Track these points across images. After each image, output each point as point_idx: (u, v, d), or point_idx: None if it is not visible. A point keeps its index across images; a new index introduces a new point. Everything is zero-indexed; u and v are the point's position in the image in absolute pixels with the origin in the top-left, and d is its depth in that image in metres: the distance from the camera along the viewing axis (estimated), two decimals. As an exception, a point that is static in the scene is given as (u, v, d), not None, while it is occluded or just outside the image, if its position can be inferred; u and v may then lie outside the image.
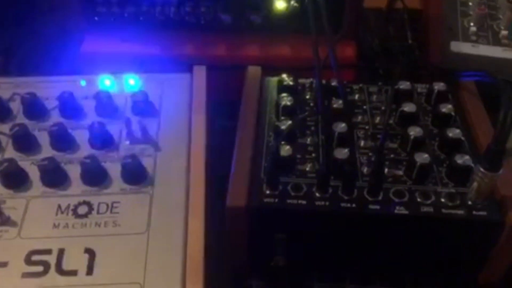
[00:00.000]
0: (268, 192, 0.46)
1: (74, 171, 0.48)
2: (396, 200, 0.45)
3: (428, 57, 0.68)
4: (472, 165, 0.46)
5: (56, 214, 0.45)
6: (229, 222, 0.46)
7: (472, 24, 0.67)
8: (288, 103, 0.52)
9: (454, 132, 0.49)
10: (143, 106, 0.53)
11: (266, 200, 0.45)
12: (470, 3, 0.69)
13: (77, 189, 0.47)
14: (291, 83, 0.55)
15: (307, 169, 0.48)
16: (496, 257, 0.46)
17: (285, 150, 0.47)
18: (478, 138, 0.50)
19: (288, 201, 0.45)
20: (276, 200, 0.45)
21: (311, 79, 0.57)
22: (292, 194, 0.46)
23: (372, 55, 0.70)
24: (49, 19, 0.69)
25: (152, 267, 0.42)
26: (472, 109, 0.53)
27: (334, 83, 0.53)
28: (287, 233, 0.46)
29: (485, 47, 0.65)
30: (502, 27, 0.66)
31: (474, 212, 0.44)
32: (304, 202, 0.45)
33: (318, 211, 0.45)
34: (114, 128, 0.51)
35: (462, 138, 0.49)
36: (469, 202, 0.45)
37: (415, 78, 0.56)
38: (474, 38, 0.66)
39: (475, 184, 0.44)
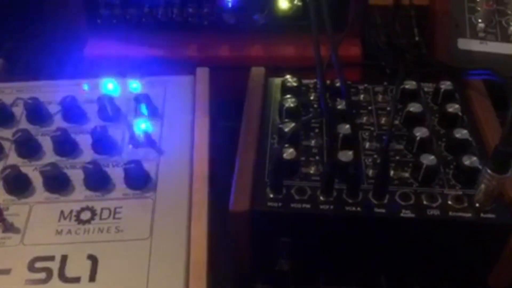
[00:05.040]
0: (271, 195, 0.45)
1: (77, 177, 0.47)
2: (402, 203, 0.44)
3: (434, 54, 0.67)
4: (480, 166, 0.45)
5: (59, 220, 0.45)
6: (232, 226, 0.46)
7: (480, 20, 0.65)
8: (292, 105, 0.51)
9: (461, 133, 0.48)
10: (146, 109, 0.53)
11: (269, 204, 0.45)
12: (478, -1, 0.68)
13: (80, 194, 0.47)
14: (295, 84, 0.54)
15: (311, 172, 0.47)
16: (505, 260, 0.45)
17: (289, 153, 0.46)
18: (486, 139, 0.49)
19: (292, 204, 0.45)
20: (280, 204, 0.45)
21: (315, 80, 0.56)
22: (296, 197, 0.45)
23: (378, 53, 0.69)
24: (52, 23, 0.69)
25: (155, 273, 0.42)
26: (479, 108, 0.52)
27: (338, 84, 0.53)
28: (291, 237, 0.46)
29: (494, 44, 0.64)
30: (511, 23, 0.65)
31: (482, 215, 0.44)
32: (308, 205, 0.45)
33: (323, 214, 0.44)
34: (117, 132, 0.51)
35: (470, 138, 0.48)
36: (477, 205, 0.44)
37: (421, 77, 0.56)
38: (482, 35, 0.65)
39: (482, 186, 0.43)
